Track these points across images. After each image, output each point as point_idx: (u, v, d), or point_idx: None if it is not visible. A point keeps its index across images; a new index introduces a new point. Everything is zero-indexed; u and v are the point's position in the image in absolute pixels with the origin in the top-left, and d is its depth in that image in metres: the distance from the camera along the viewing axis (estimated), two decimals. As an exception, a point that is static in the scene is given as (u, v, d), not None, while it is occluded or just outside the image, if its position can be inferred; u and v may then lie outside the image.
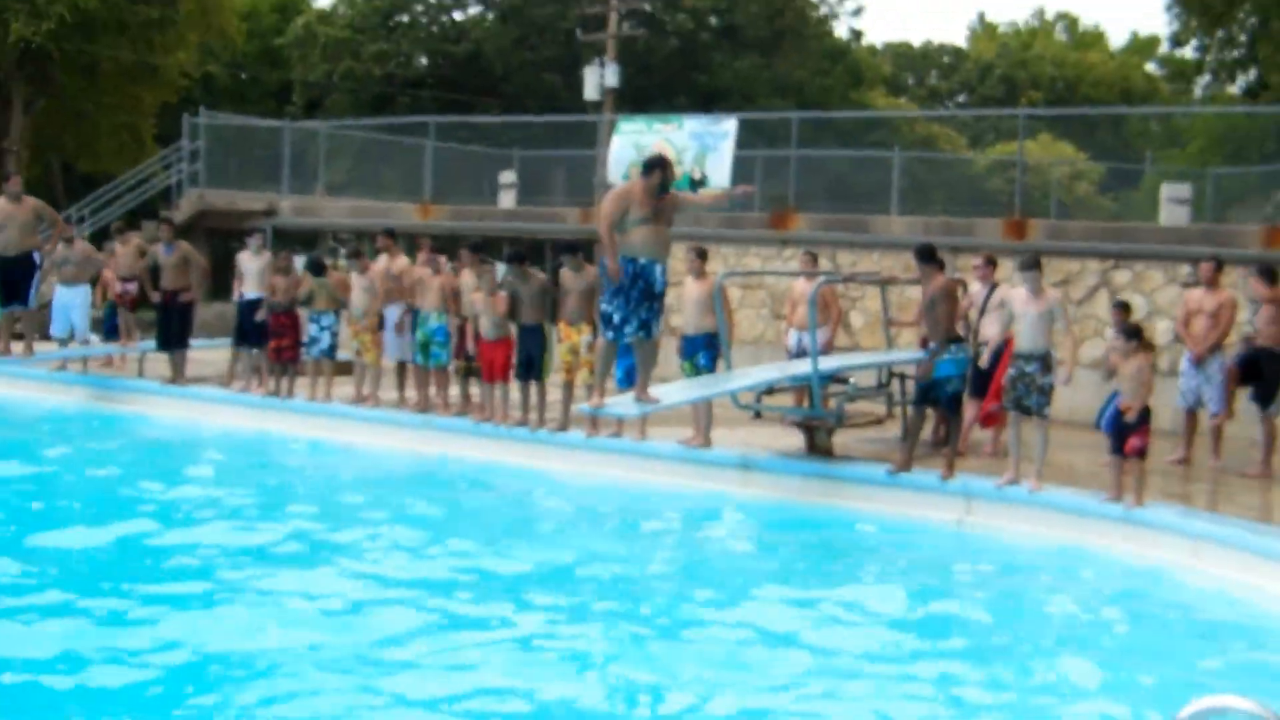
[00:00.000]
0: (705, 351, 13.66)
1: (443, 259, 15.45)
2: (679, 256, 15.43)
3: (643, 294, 11.54)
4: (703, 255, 14.09)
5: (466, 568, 10.02)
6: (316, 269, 16.02)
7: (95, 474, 13.44)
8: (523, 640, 8.33)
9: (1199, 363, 13.26)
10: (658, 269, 11.61)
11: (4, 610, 8.41)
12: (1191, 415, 13.54)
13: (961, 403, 12.58)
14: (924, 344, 12.83)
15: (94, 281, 18.84)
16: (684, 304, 13.87)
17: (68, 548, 10.19)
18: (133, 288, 18.60)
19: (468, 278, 15.00)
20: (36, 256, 17.13)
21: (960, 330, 12.42)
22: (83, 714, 6.88)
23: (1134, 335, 11.12)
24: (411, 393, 15.79)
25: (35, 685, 7.16)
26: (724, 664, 7.98)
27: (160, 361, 17.90)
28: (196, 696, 7.17)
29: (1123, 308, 12.86)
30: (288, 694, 7.17)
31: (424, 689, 7.38)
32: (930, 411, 12.88)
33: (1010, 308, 11.86)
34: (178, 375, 17.28)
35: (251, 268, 16.50)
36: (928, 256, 12.36)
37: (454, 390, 15.53)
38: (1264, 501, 11.60)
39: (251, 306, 16.34)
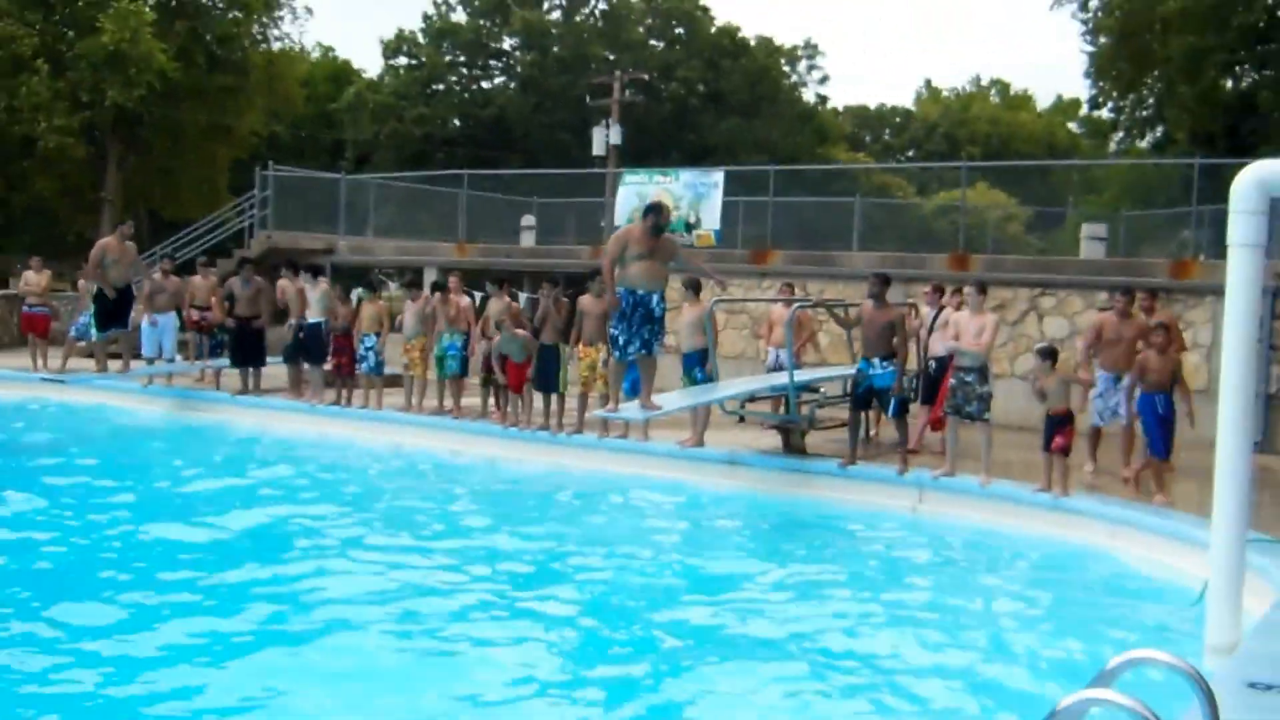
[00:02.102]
0: (700, 367, 13.74)
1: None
2: (674, 288, 15.47)
3: (643, 319, 11.72)
4: (695, 287, 14.18)
5: (484, 546, 10.16)
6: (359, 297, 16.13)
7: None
8: (529, 605, 8.45)
9: (1117, 381, 11.99)
10: (654, 297, 11.81)
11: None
12: (1098, 430, 12.52)
13: (907, 408, 12.59)
14: (864, 355, 12.48)
15: (180, 309, 18.95)
16: (680, 326, 13.93)
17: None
18: (209, 314, 18.72)
19: (495, 305, 15.12)
20: (133, 289, 17.60)
21: (911, 346, 12.53)
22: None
23: (1050, 356, 11.23)
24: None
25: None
26: (701, 626, 8.09)
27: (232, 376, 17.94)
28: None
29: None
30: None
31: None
32: (884, 417, 12.97)
33: (954, 326, 11.96)
34: (249, 387, 17.34)
35: (313, 297, 16.59)
36: (889, 282, 12.49)
37: (472, 399, 15.64)
38: (1170, 493, 11.58)
39: (314, 329, 16.42)
